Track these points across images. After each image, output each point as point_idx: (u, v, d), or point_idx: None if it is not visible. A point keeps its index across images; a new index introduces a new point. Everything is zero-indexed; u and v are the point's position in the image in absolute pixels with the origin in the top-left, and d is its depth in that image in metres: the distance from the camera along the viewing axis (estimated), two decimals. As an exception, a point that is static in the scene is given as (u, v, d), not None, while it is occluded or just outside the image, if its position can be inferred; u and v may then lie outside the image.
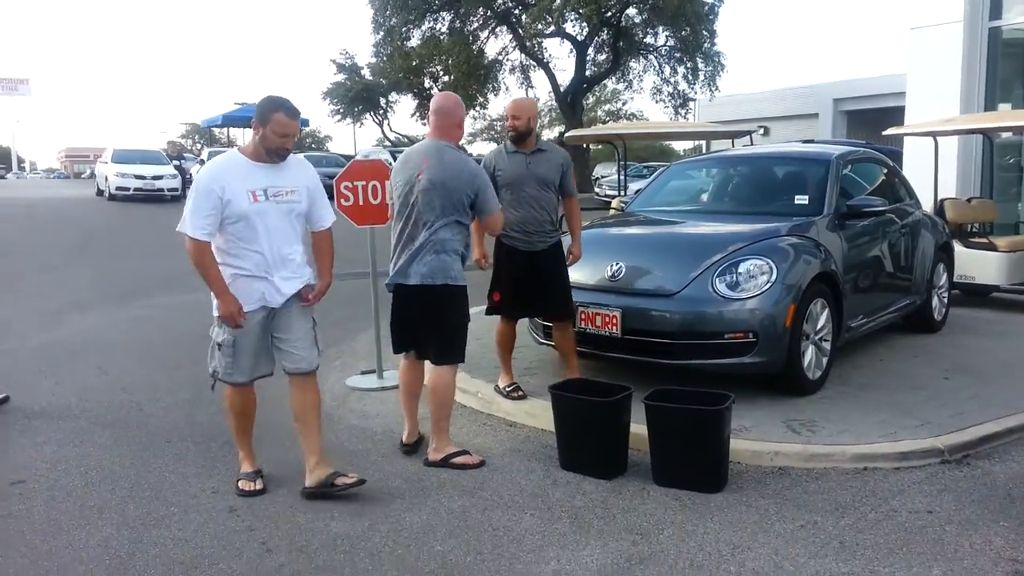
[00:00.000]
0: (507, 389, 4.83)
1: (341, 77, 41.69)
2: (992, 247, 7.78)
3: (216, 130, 40.09)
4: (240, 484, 3.72)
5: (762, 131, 31.60)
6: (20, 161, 74.10)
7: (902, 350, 6.00)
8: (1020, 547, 3.03)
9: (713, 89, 30.94)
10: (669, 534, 3.18)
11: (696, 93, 31.85)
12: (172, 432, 4.54)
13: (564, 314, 4.69)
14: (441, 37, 31.87)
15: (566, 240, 4.81)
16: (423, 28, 31.92)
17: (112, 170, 20.95)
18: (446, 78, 34.26)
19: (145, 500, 3.58)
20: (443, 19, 31.83)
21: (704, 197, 6.23)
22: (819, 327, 4.85)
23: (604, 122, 42.26)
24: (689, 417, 3.57)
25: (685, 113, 32.76)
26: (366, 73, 41.17)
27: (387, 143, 43.41)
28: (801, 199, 5.37)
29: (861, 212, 5.35)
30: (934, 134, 8.57)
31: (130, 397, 5.19)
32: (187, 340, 6.77)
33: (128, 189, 20.51)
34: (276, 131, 3.45)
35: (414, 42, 32.72)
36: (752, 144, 11.18)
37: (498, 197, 4.33)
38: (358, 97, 41.09)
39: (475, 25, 31.87)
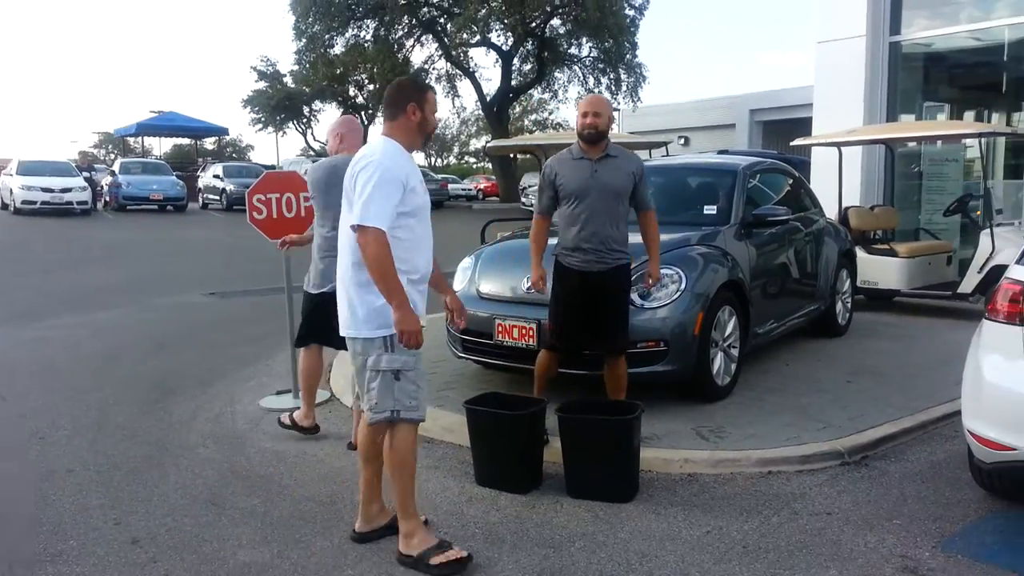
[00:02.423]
0: None
1: (262, 85, 40.93)
2: (893, 253, 8.15)
3: (131, 140, 38.85)
4: (442, 559, 3.01)
5: (683, 141, 32.51)
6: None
7: (807, 354, 6.23)
8: (910, 544, 3.18)
9: (635, 100, 31.62)
10: (580, 546, 3.21)
11: (619, 104, 32.45)
12: (74, 461, 4.35)
13: (617, 347, 4.15)
14: (365, 45, 31.62)
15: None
16: (347, 36, 31.64)
17: (17, 183, 20.04)
18: (371, 87, 34.04)
19: (43, 535, 3.41)
20: (367, 27, 31.62)
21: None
22: (727, 334, 5.00)
23: (531, 131, 42.64)
24: (599, 428, 3.63)
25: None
26: (288, 81, 40.53)
27: (311, 153, 42.78)
28: (710, 209, 5.54)
29: (766, 221, 5.55)
30: (838, 144, 8.94)
31: (30, 424, 4.95)
32: (93, 362, 6.54)
33: (35, 203, 19.66)
34: (434, 111, 3.13)
35: (338, 50, 32.40)
36: (668, 154, 11.45)
37: (559, 209, 4.15)
38: (280, 105, 40.39)
39: (400, 33, 31.75)
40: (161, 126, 33.77)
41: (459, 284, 5.39)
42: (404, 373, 2.99)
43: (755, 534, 3.29)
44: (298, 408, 4.72)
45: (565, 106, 50.04)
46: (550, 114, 49.25)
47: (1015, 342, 3.05)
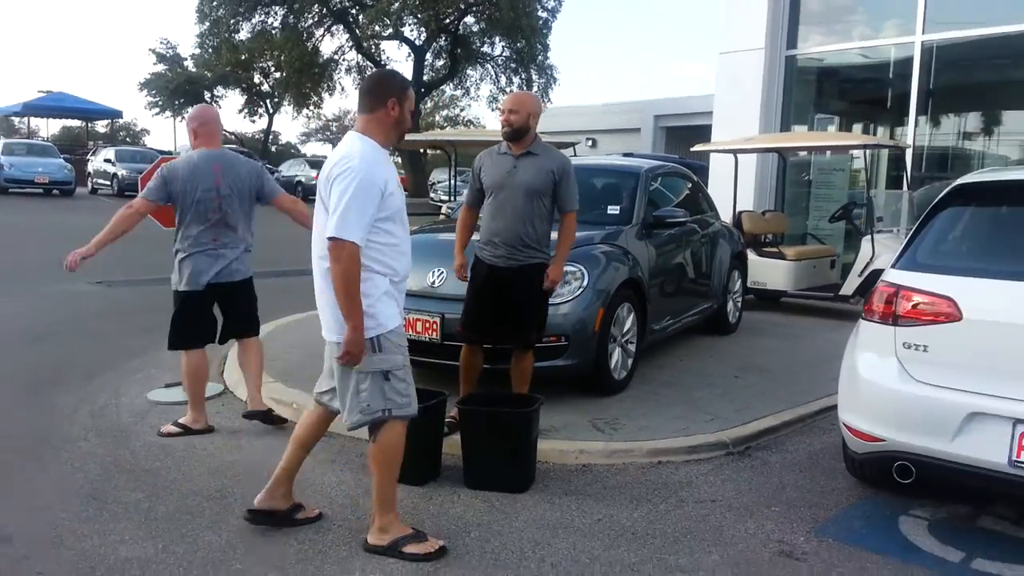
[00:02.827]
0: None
1: (161, 68, 39.20)
2: (781, 256, 8.57)
3: (16, 120, 36.53)
4: (416, 549, 3.03)
5: (591, 143, 33.12)
6: None
7: (700, 351, 6.47)
8: (787, 529, 3.36)
9: (546, 101, 31.94)
10: (476, 535, 3.25)
11: (532, 103, 32.70)
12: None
13: (521, 342, 4.17)
14: (273, 32, 30.74)
15: None
16: (253, 21, 30.67)
17: None
18: (277, 74, 33.14)
19: (-101, 533, 3.19)
20: (275, 14, 30.75)
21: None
22: (625, 330, 5.14)
23: (442, 127, 42.49)
24: (498, 420, 3.67)
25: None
26: (189, 65, 38.97)
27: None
28: (613, 209, 5.67)
29: (665, 222, 5.73)
30: (735, 151, 9.32)
31: None
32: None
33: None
34: (412, 110, 3.05)
35: (243, 35, 31.37)
36: (575, 155, 11.66)
37: (482, 203, 4.17)
38: (179, 90, 38.79)
39: (310, 22, 31.01)
40: (50, 107, 31.93)
41: (362, 276, 5.34)
42: (394, 373, 2.99)
43: (643, 521, 3.40)
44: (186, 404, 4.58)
45: (477, 104, 50.18)
46: (462, 111, 49.20)
47: (887, 341, 3.26)
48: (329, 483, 3.80)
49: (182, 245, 4.41)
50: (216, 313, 4.62)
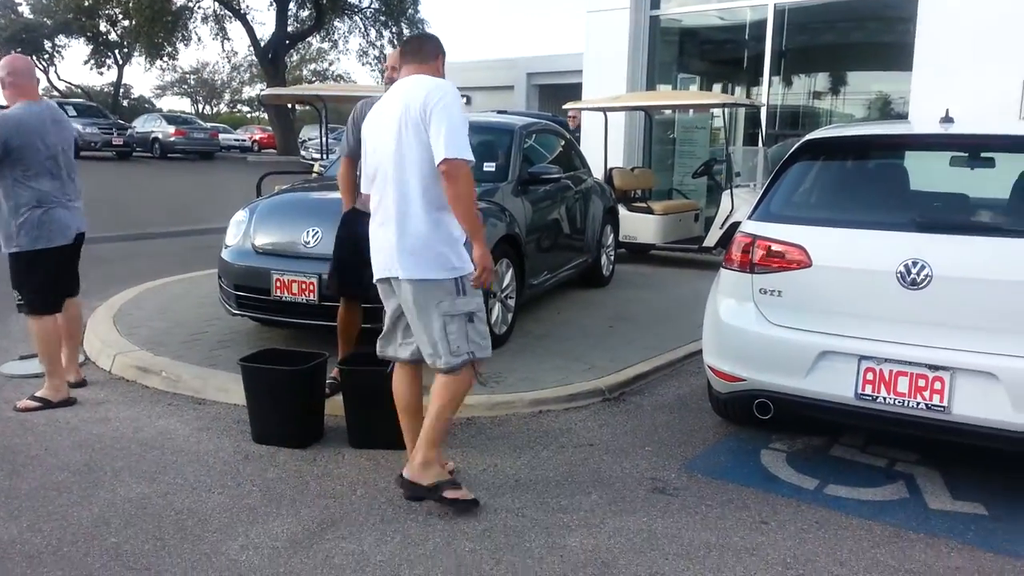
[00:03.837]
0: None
1: (-8, 14, 35.57)
2: (650, 211, 8.91)
3: None
4: (457, 495, 3.08)
5: (466, 100, 32.82)
6: None
7: (576, 303, 6.68)
8: (659, 468, 3.58)
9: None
10: (362, 493, 3.27)
11: (401, 58, 31.99)
12: None
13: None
14: (117, -24, 28.48)
15: None
16: (94, -36, 28.25)
17: None
18: (126, 23, 30.76)
19: None
20: (119, -44, 28.45)
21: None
22: (504, 286, 5.22)
23: (311, 82, 40.91)
24: (378, 378, 3.66)
25: (390, 77, 32.78)
26: (25, 11, 35.54)
27: (54, 93, 38.04)
28: (489, 166, 5.70)
29: (540, 179, 5.82)
30: (604, 109, 9.55)
31: None
32: None
33: None
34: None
35: (83, -22, 28.87)
36: None
37: (359, 153, 3.80)
38: (15, 39, 35.35)
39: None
40: None
41: (232, 238, 5.15)
42: (476, 315, 3.02)
43: (526, 468, 3.52)
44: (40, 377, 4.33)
45: (347, 57, 48.64)
46: (331, 64, 47.57)
47: (745, 288, 3.49)
48: (206, 450, 3.69)
49: (30, 200, 4.11)
50: None
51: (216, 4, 30.49)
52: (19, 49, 36.46)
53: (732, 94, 12.32)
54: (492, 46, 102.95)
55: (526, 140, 6.14)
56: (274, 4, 29.51)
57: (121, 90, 44.56)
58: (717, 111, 10.30)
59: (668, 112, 11.72)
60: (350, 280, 4.10)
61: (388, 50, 31.70)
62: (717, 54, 12.81)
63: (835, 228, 3.38)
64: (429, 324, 2.98)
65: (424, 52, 3.17)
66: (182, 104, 59.72)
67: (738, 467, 3.60)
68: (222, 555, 2.78)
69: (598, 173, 9.22)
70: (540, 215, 6.02)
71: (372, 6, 30.92)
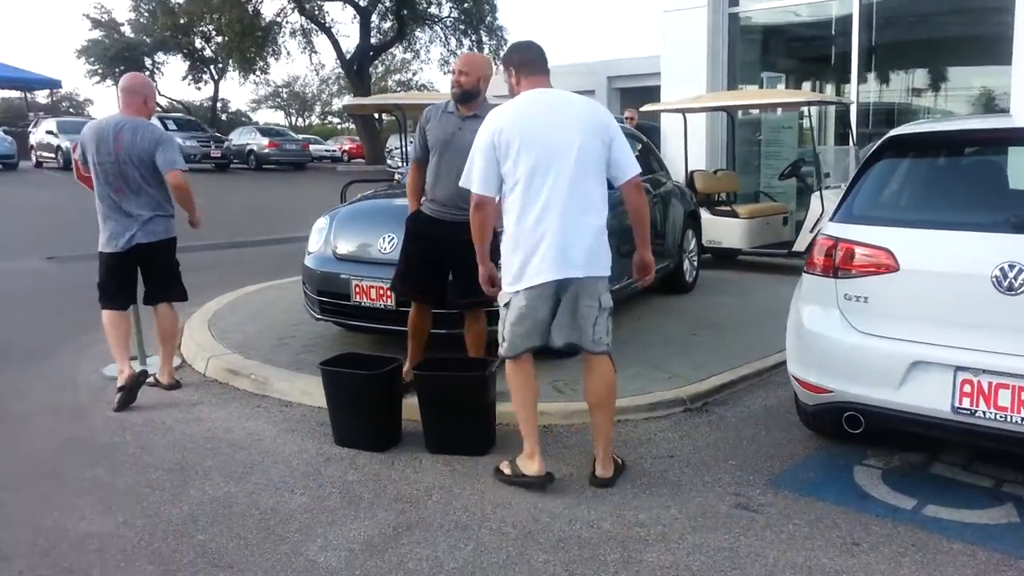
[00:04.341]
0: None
1: (98, 34, 37.73)
2: (735, 215, 8.69)
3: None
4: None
5: (544, 104, 32.92)
6: None
7: (658, 309, 6.57)
8: (743, 483, 3.46)
9: (497, 63, 31.51)
10: (437, 499, 3.29)
11: (484, 65, 32.30)
12: None
13: (465, 297, 4.03)
14: (209, -7, 29.73)
15: None
16: (188, -17, 29.61)
17: None
18: (219, 39, 32.14)
19: None
20: (211, -27, 29.72)
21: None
22: (582, 292, 5.17)
23: (395, 92, 41.77)
24: (454, 384, 3.69)
25: (471, 85, 33.14)
26: (127, 30, 37.58)
27: (157, 109, 40.03)
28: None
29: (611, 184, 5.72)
30: (682, 110, 9.37)
31: None
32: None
33: None
34: None
35: (180, -3, 30.29)
36: None
37: (428, 159, 4.11)
38: (119, 57, 37.42)
39: (249, -17, 30.05)
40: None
41: (314, 245, 5.28)
42: (612, 311, 3.39)
43: (603, 478, 3.47)
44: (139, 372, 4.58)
45: (428, 67, 49.40)
46: (414, 75, 48.44)
47: (829, 293, 3.35)
48: (290, 452, 3.78)
49: (97, 205, 4.52)
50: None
51: (303, 19, 31.48)
52: (122, 67, 38.67)
53: (821, 91, 11.93)
54: (571, 50, 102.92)
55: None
56: (357, 17, 30.28)
57: (219, 104, 46.59)
58: (806, 110, 9.97)
59: (754, 112, 11.43)
60: (417, 283, 4.15)
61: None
62: (802, 51, 12.40)
63: (923, 229, 3.20)
64: (590, 318, 3.26)
65: (543, 63, 3.39)
66: (276, 117, 61.91)
67: (828, 484, 3.44)
68: (301, 556, 2.84)
69: (679, 176, 9.09)
70: (617, 220, 5.91)
71: (452, 15, 31.32)
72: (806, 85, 12.67)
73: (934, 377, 3.03)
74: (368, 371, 3.76)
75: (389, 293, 4.67)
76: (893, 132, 3.64)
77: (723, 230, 8.67)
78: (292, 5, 30.90)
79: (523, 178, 3.15)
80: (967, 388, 2.97)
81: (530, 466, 3.33)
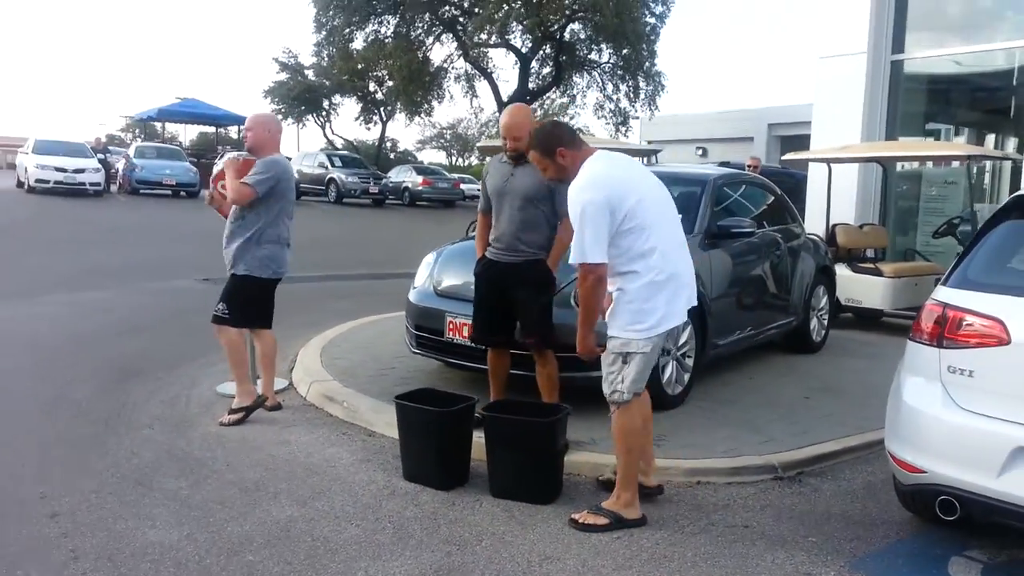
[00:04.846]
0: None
1: (284, 76, 41.17)
2: (878, 272, 8.07)
3: (157, 125, 39.07)
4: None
5: (701, 152, 32.37)
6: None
7: (775, 369, 6.17)
8: (819, 563, 3.13)
9: (653, 108, 31.51)
10: (487, 545, 3.20)
11: (637, 111, 32.36)
12: (17, 434, 4.40)
13: (530, 337, 4.11)
14: (386, 41, 31.67)
15: None
16: (367, 30, 31.69)
17: (32, 161, 20.29)
18: (391, 83, 34.10)
19: (-37, 503, 3.46)
20: (388, 23, 31.66)
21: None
22: (680, 344, 4.96)
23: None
24: (520, 428, 3.62)
25: (625, 131, 33.26)
26: (310, 74, 40.74)
27: (327, 146, 42.98)
28: (675, 219, 5.49)
29: (731, 233, 5.50)
30: (828, 160, 8.87)
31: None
32: (71, 340, 6.61)
33: (48, 182, 19.87)
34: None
35: (357, 44, 32.48)
36: (654, 162, 11.43)
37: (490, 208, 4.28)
38: (300, 97, 40.61)
39: (420, 31, 31.77)
40: (181, 112, 33.94)
41: (420, 280, 5.42)
42: None
43: (665, 543, 3.26)
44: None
45: (584, 111, 49.94)
46: (572, 118, 49.15)
47: (932, 364, 3.00)
48: (360, 482, 3.84)
49: (273, 235, 4.71)
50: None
51: (467, 64, 32.83)
52: (303, 108, 41.86)
53: (998, 146, 10.93)
54: (729, 96, 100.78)
55: (722, 191, 5.84)
56: (518, 63, 31.21)
57: (388, 144, 49.34)
58: (974, 166, 9.16)
59: (917, 165, 10.64)
60: (486, 326, 4.24)
61: (624, 104, 32.20)
62: (975, 102, 11.43)
63: (1041, 300, 2.80)
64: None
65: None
66: (439, 157, 64.66)
67: (916, 573, 3.06)
68: (337, 588, 2.85)
69: (819, 229, 8.59)
70: (732, 271, 5.68)
71: (609, 61, 31.57)
72: (989, 139, 11.64)
73: (1039, 468, 2.63)
74: (438, 408, 3.76)
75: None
76: (1021, 192, 3.24)
77: (864, 288, 8.07)
78: (459, 52, 32.38)
79: (650, 228, 3.26)
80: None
81: (632, 511, 3.36)
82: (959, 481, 2.84)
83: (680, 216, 5.38)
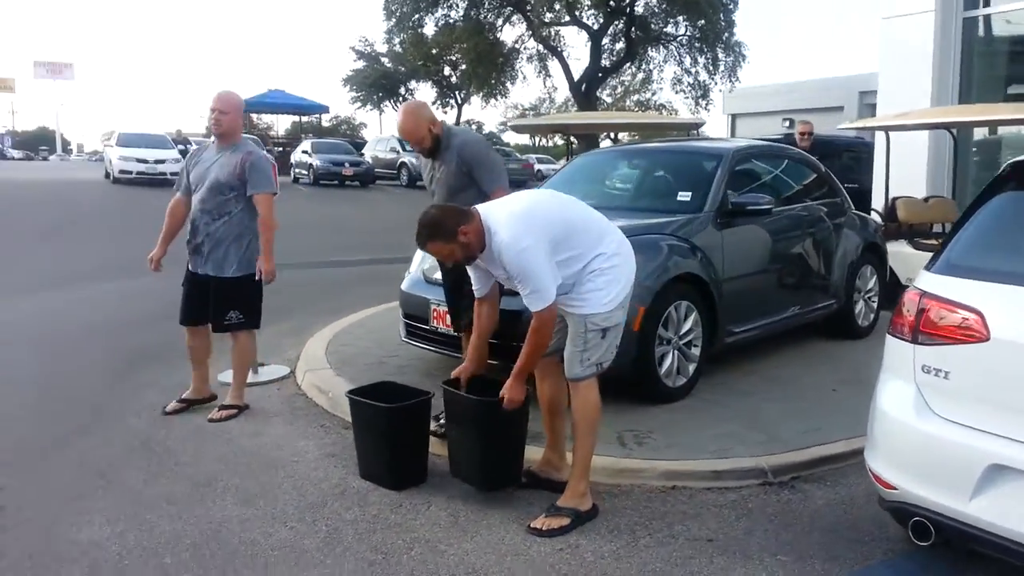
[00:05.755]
0: None
1: (361, 64, 41.73)
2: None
3: (254, 116, 40.24)
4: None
5: (787, 123, 30.88)
6: (66, 144, 75.38)
7: (808, 355, 5.69)
8: (784, 584, 2.77)
9: (734, 80, 30.29)
10: (415, 555, 2.98)
11: (716, 84, 31.20)
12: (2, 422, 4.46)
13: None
14: (456, 24, 31.53)
15: None
16: (436, 15, 31.60)
17: (116, 153, 21.21)
18: (464, 66, 34.03)
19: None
20: (457, 6, 31.48)
21: (603, 190, 5.96)
22: (683, 331, 4.58)
23: (633, 111, 41.55)
24: (466, 406, 3.35)
25: (706, 104, 32.16)
26: (386, 61, 41.15)
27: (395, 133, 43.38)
28: (684, 195, 5.09)
29: (746, 210, 5.04)
30: (886, 128, 8.14)
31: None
32: (103, 325, 6.79)
33: (131, 172, 20.71)
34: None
35: (428, 29, 32.49)
36: (698, 135, 10.79)
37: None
38: (376, 84, 41.11)
39: (489, 13, 31.44)
40: (267, 103, 34.90)
41: (414, 266, 5.21)
42: None
43: (611, 556, 2.95)
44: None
45: (660, 87, 48.44)
46: (652, 95, 47.87)
47: (907, 363, 2.57)
48: (315, 479, 3.67)
49: (253, 227, 4.58)
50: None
51: (539, 44, 32.33)
52: (380, 94, 42.34)
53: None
54: (815, 65, 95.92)
55: (739, 166, 5.36)
56: (590, 41, 30.50)
57: (468, 125, 49.45)
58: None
59: (996, 131, 9.70)
60: (457, 315, 4.06)
61: (703, 76, 31.07)
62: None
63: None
64: None
65: None
66: (520, 138, 64.44)
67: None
68: (239, 598, 2.69)
69: (879, 203, 7.93)
70: (753, 251, 5.23)
71: (686, 33, 30.46)
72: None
73: (1015, 489, 2.18)
74: (389, 404, 3.54)
75: (458, 320, 4.45)
76: (1017, 159, 2.75)
77: (922, 266, 7.36)
78: (528, 32, 31.92)
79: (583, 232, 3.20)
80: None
81: (586, 502, 3.24)
82: (929, 502, 2.42)
83: (689, 193, 5.10)
